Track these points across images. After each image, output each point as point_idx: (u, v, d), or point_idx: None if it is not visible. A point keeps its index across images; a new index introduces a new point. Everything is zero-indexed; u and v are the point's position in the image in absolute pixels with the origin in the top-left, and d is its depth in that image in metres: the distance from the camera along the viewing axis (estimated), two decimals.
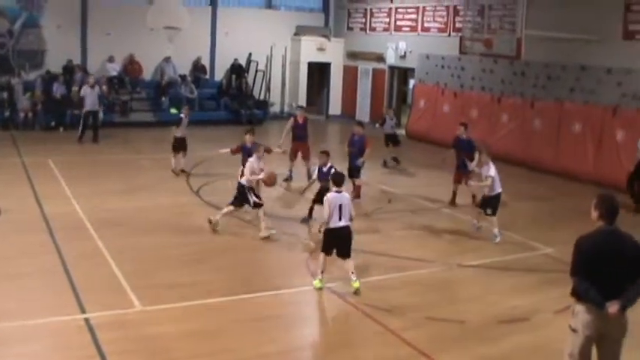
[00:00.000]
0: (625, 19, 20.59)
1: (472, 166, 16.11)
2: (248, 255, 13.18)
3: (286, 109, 33.44)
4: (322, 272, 11.29)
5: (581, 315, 7.00)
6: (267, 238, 13.73)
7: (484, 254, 13.58)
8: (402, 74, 31.39)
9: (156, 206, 16.07)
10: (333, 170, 13.09)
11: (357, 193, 16.56)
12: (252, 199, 13.95)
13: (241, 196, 14.04)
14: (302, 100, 32.15)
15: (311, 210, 14.74)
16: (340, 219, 11.06)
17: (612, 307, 6.75)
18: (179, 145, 19.15)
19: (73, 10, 29.01)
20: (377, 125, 22.94)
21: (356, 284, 11.15)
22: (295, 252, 13.32)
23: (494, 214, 14.46)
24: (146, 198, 16.82)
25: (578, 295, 7.03)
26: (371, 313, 10.33)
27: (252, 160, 14.11)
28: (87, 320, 9.54)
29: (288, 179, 18.74)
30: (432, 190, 18.51)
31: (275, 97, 33.03)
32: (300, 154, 18.82)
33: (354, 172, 16.62)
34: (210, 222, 14.17)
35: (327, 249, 11.25)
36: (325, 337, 10.11)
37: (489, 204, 14.49)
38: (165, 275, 11.60)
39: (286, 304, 11.02)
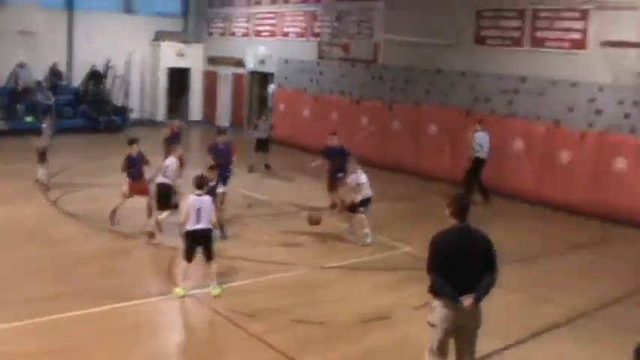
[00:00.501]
0: (477, 25, 21.38)
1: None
2: (108, 265, 12.75)
3: (146, 115, 32.92)
4: (184, 280, 11.17)
5: (438, 310, 7.24)
6: (148, 234, 13.67)
7: (347, 255, 13.77)
8: (262, 79, 31.42)
9: (10, 218, 15.40)
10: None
11: (221, 201, 16.36)
12: (175, 200, 13.87)
13: (163, 197, 13.90)
14: (162, 107, 32.02)
15: None
16: (198, 222, 11.02)
17: (466, 301, 7.02)
18: (40, 156, 18.35)
19: None
20: (251, 129, 22.85)
21: (216, 291, 11.20)
22: (157, 260, 13.09)
23: (364, 212, 14.69)
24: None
25: (434, 291, 7.26)
26: (234, 318, 10.28)
27: (173, 161, 14.21)
28: None
29: None
30: (295, 194, 18.63)
31: (134, 103, 32.42)
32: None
33: (225, 180, 16.33)
34: (150, 235, 13.87)
35: (188, 254, 11.18)
36: (187, 346, 9.94)
37: (360, 206, 14.69)
38: (18, 290, 11.08)
39: (148, 314, 10.77)
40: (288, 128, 27.30)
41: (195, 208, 11.05)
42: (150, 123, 32.51)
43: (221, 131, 17.41)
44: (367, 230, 14.64)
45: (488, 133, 18.97)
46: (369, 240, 14.57)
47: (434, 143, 22.08)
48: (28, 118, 27.43)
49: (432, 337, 7.36)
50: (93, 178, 16.66)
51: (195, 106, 34.10)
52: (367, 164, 15.99)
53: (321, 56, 26.59)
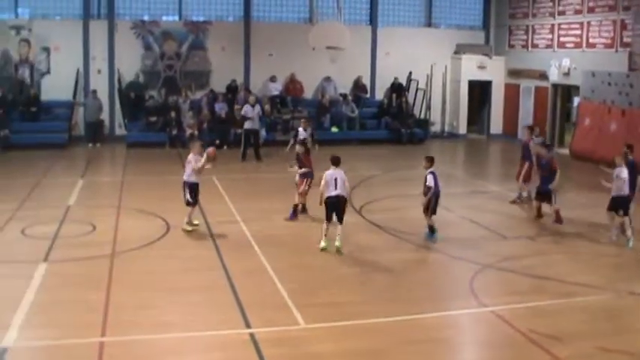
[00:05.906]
0: None
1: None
2: (409, 276, 13.05)
3: (447, 128, 33.24)
4: (325, 235, 13.92)
5: None
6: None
7: None
8: (566, 92, 30.42)
9: (318, 226, 16.06)
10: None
11: (557, 218, 16.65)
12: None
13: None
14: (463, 120, 32.59)
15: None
16: (336, 188, 13.77)
17: None
18: None
19: (237, 32, 30.13)
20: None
21: (338, 243, 13.77)
22: (456, 273, 13.18)
23: (626, 214, 14.79)
24: (308, 218, 16.76)
25: None
26: (537, 339, 10.00)
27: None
28: (252, 335, 9.75)
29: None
30: (598, 213, 17.71)
31: (435, 116, 32.85)
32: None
33: (544, 196, 16.82)
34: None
35: (327, 216, 13.98)
36: None
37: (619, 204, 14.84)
38: (328, 294, 11.71)
39: (449, 327, 10.86)
40: (591, 143, 26.20)
41: (333, 178, 13.82)
42: (451, 136, 32.74)
43: (545, 145, 17.59)
44: (629, 232, 14.74)
45: None
46: (630, 245, 14.59)
47: None
48: (334, 129, 28.97)
49: None
50: (394, 189, 16.94)
51: (496, 120, 33.74)
52: None
53: (631, 68, 25.21)
